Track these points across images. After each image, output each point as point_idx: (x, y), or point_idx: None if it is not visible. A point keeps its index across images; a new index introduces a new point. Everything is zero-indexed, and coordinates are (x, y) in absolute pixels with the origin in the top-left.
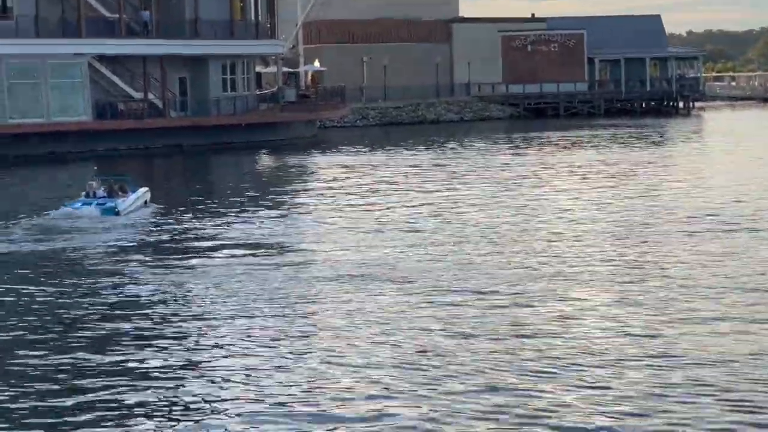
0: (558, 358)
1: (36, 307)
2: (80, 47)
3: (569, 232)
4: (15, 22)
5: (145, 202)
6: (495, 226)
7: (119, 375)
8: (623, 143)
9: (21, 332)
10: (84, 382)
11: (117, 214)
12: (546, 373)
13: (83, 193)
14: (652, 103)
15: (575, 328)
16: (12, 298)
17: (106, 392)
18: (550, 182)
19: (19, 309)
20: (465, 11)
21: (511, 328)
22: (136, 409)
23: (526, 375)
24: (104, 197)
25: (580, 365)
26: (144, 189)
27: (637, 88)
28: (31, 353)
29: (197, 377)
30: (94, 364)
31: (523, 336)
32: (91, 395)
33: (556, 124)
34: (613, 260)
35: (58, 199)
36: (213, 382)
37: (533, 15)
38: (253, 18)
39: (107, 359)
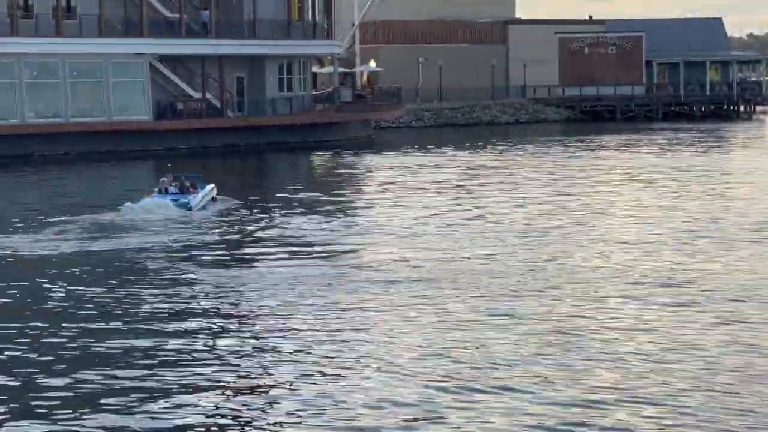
0: (616, 366)
1: (104, 299)
2: (142, 47)
3: (628, 238)
4: (79, 22)
5: (213, 198)
6: (553, 230)
7: (167, 366)
8: (682, 147)
9: (84, 323)
10: (139, 371)
11: (189, 209)
12: (605, 388)
13: (156, 189)
14: (712, 107)
15: (636, 338)
16: (80, 293)
17: (157, 382)
18: (608, 186)
19: (85, 303)
20: (522, 12)
21: (572, 336)
22: (184, 407)
23: (584, 386)
24: (177, 193)
25: (649, 381)
26: (211, 186)
27: (696, 92)
28: (94, 343)
29: (248, 376)
30: (155, 355)
31: (583, 345)
32: (138, 383)
33: (613, 128)
34: (674, 269)
35: (124, 196)
36: (261, 383)
37: (591, 17)
38: (310, 18)
39: (165, 352)
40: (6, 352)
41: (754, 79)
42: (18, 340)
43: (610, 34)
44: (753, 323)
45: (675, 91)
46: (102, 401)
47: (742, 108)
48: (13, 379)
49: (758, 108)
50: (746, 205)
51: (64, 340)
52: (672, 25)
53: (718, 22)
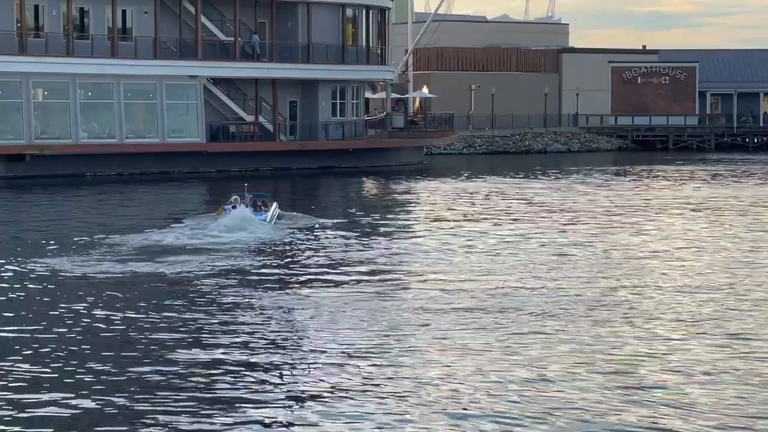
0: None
1: (166, 315)
2: (196, 69)
3: (681, 271)
4: (134, 43)
5: (278, 216)
6: (602, 259)
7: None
8: (735, 179)
9: (137, 342)
10: (186, 383)
11: (265, 222)
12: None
13: (229, 206)
14: (765, 139)
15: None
16: (138, 311)
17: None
18: (659, 217)
19: (145, 317)
20: (575, 41)
21: (621, 365)
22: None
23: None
24: (250, 210)
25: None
26: (275, 204)
27: (750, 123)
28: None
29: (292, 393)
30: (208, 370)
31: (628, 373)
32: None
33: (665, 158)
34: (715, 298)
35: (178, 216)
36: (301, 402)
37: (644, 47)
38: (364, 44)
39: (218, 364)
40: (53, 369)
41: None
42: (69, 359)
43: (664, 64)
44: None
45: (728, 122)
46: (156, 418)
47: None
48: (69, 394)
49: None
50: None
51: (107, 360)
52: (725, 56)
53: None
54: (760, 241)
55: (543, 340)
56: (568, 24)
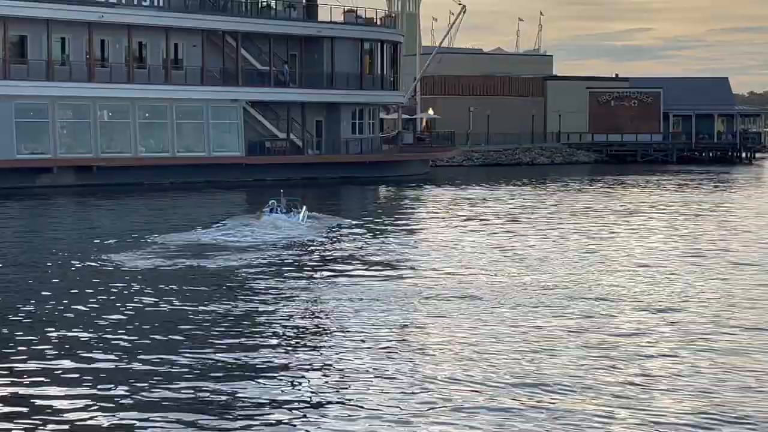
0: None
1: (209, 307)
2: (237, 94)
3: (649, 264)
4: (184, 72)
5: (308, 216)
6: (581, 250)
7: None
8: (694, 186)
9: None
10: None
11: (299, 221)
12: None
13: (267, 209)
14: (719, 153)
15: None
16: (187, 302)
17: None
18: (628, 215)
19: (188, 313)
20: (558, 70)
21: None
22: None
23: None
24: (285, 212)
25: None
26: (305, 207)
27: (705, 140)
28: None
29: (317, 378)
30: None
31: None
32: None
33: (634, 169)
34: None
35: (223, 218)
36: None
37: (617, 75)
38: (379, 72)
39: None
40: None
41: (754, 130)
42: (124, 346)
43: (633, 89)
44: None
45: (687, 139)
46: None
47: (744, 154)
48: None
49: (758, 155)
50: (749, 236)
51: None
52: (685, 83)
53: (725, 81)
54: (709, 233)
55: (529, 315)
56: (552, 56)
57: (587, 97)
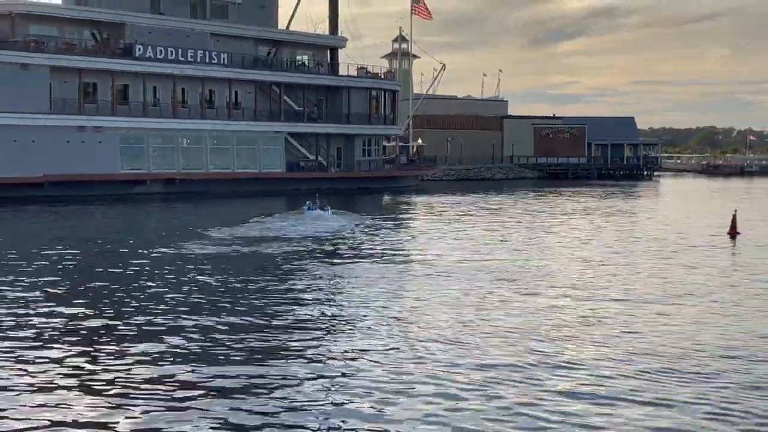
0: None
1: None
2: (280, 127)
3: (576, 250)
4: (242, 111)
5: (331, 213)
6: (526, 241)
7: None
8: (606, 193)
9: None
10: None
11: (330, 215)
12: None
13: (306, 207)
14: (627, 172)
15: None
16: (245, 279)
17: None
18: (561, 216)
19: (249, 287)
20: (511, 111)
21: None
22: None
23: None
24: (319, 209)
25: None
26: (329, 207)
27: (617, 162)
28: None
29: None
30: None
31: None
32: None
33: (566, 183)
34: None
35: (270, 213)
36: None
37: (554, 115)
38: (383, 112)
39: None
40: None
41: (653, 155)
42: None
43: (566, 125)
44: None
45: (605, 162)
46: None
47: (645, 172)
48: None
49: (655, 173)
50: (648, 229)
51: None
52: (604, 121)
53: (631, 119)
54: (619, 226)
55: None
56: (507, 101)
57: (532, 131)
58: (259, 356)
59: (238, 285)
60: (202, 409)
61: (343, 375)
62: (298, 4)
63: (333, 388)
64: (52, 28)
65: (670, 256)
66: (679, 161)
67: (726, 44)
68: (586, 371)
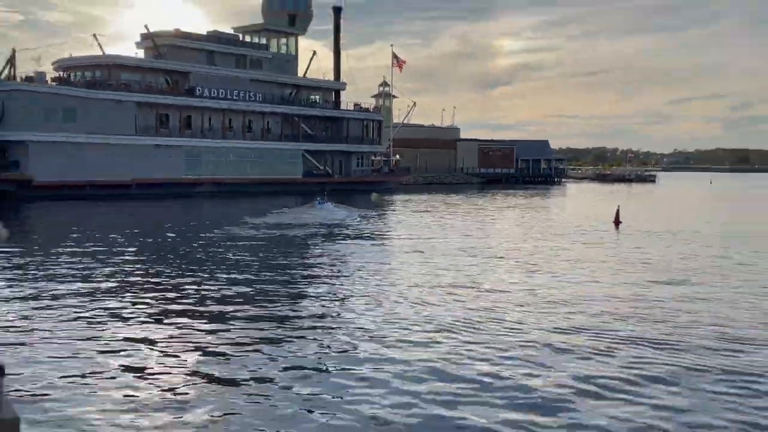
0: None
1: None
2: (299, 146)
3: (510, 240)
4: (272, 134)
5: (335, 206)
6: (470, 231)
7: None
8: (527, 194)
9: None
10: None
11: (333, 207)
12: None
13: (316, 202)
14: (543, 179)
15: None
16: (248, 260)
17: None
18: (497, 210)
19: (249, 268)
20: (463, 135)
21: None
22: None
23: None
24: (327, 203)
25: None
26: (333, 202)
27: (537, 172)
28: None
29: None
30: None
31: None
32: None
33: (501, 187)
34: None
35: (293, 205)
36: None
37: (492, 139)
38: (372, 135)
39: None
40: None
41: (561, 167)
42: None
43: (501, 146)
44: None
45: (528, 172)
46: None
47: (556, 180)
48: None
49: (563, 180)
50: (558, 221)
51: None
52: (528, 143)
53: (547, 142)
54: (536, 218)
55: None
56: (459, 128)
57: (477, 149)
58: (284, 304)
59: (268, 256)
60: (239, 354)
61: (338, 315)
62: (311, 59)
63: (334, 325)
64: (137, 75)
65: (573, 236)
66: (579, 171)
67: (614, 90)
68: (501, 303)
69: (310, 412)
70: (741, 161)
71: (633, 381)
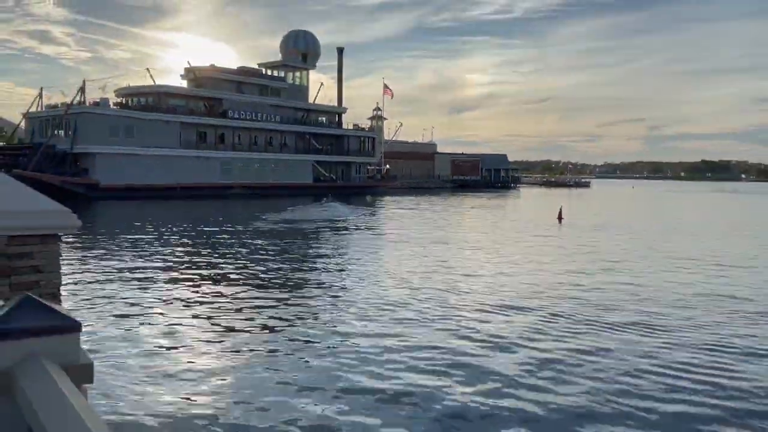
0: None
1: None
2: (307, 157)
3: (466, 226)
4: (288, 149)
5: (339, 204)
6: (443, 219)
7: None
8: (490, 196)
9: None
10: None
11: (336, 205)
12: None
13: (324, 200)
14: (502, 185)
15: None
16: (255, 248)
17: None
18: (464, 211)
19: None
20: (439, 150)
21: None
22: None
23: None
24: (332, 202)
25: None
26: (338, 201)
27: (498, 179)
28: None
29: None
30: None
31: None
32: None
33: (469, 191)
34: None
35: (304, 204)
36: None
37: (464, 152)
38: (367, 149)
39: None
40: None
41: (516, 175)
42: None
43: (469, 158)
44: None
45: (490, 179)
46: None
47: (512, 185)
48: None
49: (518, 185)
50: (511, 215)
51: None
52: (491, 156)
53: (505, 155)
54: (496, 216)
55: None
56: (436, 144)
57: (450, 161)
58: (294, 284)
59: (283, 245)
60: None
61: (343, 288)
62: (319, 89)
63: (335, 301)
64: (181, 100)
65: (524, 230)
66: (530, 179)
67: (558, 114)
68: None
69: (308, 363)
70: (656, 171)
71: (567, 356)
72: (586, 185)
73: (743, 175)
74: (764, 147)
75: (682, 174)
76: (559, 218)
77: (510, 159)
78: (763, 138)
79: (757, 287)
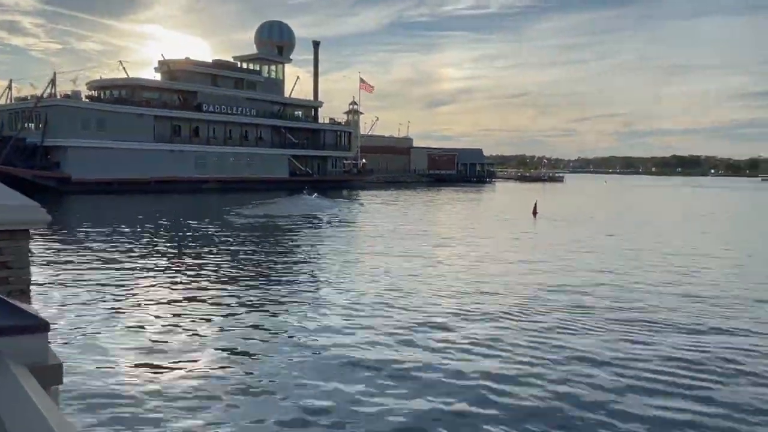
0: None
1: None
2: (284, 152)
3: (441, 219)
4: (264, 142)
5: (317, 197)
6: (418, 218)
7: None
8: (466, 191)
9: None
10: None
11: (317, 198)
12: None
13: (303, 194)
14: (477, 179)
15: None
16: (235, 246)
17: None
18: (440, 205)
19: (240, 251)
20: (415, 144)
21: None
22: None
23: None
24: (310, 195)
25: None
26: (316, 193)
27: (474, 173)
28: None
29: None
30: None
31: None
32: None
33: (445, 185)
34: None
35: (284, 196)
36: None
37: (439, 147)
38: (343, 143)
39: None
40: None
41: (491, 169)
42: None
43: (446, 153)
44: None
45: (466, 173)
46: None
47: (487, 180)
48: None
49: (493, 180)
50: (488, 208)
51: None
52: (467, 151)
53: (480, 150)
54: (472, 209)
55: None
56: (412, 138)
57: (426, 155)
58: (271, 276)
59: (259, 237)
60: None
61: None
62: (295, 83)
63: (317, 285)
64: (155, 93)
65: (500, 222)
66: (505, 173)
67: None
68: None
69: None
70: (628, 165)
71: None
72: (560, 180)
73: (712, 171)
74: (733, 143)
75: (654, 169)
76: (534, 212)
77: (485, 153)
78: (732, 134)
79: (696, 270)
